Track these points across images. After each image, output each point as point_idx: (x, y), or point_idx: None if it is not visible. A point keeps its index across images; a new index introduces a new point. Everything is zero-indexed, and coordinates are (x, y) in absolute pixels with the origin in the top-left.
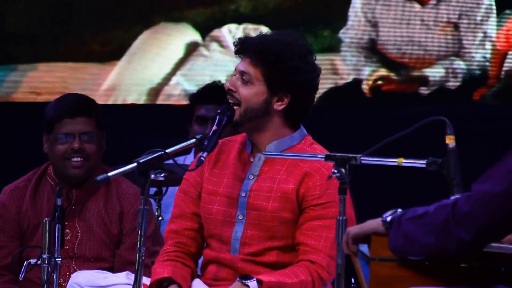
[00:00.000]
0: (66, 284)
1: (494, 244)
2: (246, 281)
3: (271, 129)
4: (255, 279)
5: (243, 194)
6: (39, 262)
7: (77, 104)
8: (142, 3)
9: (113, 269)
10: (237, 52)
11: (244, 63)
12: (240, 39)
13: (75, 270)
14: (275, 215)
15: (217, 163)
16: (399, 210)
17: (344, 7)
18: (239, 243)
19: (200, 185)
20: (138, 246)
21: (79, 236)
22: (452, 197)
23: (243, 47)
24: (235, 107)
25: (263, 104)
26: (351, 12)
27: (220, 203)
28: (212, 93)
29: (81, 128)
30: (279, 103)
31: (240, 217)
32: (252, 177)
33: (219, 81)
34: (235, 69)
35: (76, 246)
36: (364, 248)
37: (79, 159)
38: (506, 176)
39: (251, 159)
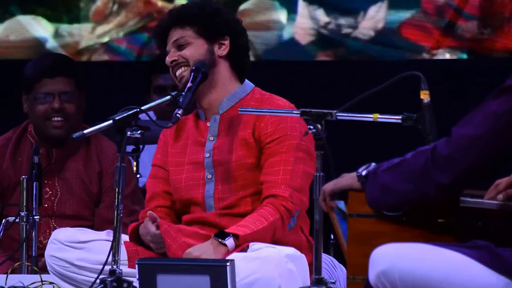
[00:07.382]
0: (47, 242)
1: (471, 199)
2: (223, 240)
3: (219, 83)
4: (231, 236)
5: (207, 155)
6: (17, 220)
7: (57, 64)
8: None
9: (93, 228)
10: (165, 28)
11: (173, 34)
12: (159, 21)
13: (55, 228)
14: (239, 163)
15: (177, 137)
16: (373, 164)
17: None
18: (213, 200)
19: (167, 163)
20: (116, 203)
21: (58, 195)
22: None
23: (167, 22)
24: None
25: (208, 54)
26: None
27: (187, 171)
28: None
29: (61, 87)
30: (222, 47)
31: (209, 176)
32: (212, 138)
33: None
34: (167, 50)
35: (55, 205)
36: (340, 204)
37: (59, 118)
38: (486, 119)
39: (208, 124)
